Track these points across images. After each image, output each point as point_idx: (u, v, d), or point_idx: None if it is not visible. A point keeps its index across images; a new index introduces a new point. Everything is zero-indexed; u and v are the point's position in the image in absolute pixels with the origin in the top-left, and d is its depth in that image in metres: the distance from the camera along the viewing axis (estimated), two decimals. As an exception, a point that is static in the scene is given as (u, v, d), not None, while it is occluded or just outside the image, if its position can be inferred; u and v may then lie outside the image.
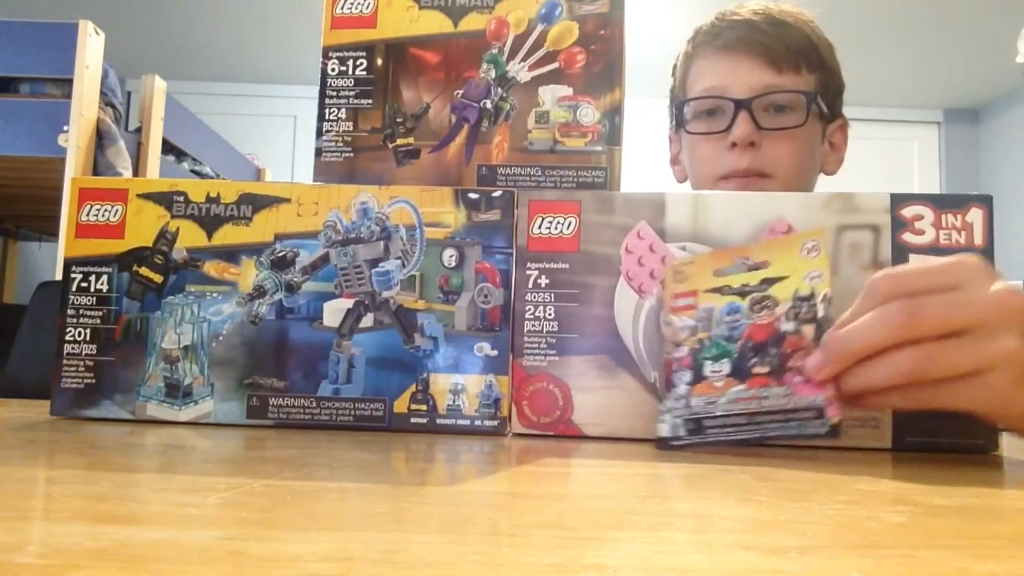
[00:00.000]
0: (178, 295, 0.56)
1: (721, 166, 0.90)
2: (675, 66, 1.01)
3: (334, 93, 0.61)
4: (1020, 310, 0.42)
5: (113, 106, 1.89)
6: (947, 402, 0.43)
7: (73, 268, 0.56)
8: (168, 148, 2.14)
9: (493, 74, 0.60)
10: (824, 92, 0.92)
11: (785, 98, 0.88)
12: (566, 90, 0.59)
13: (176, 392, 0.55)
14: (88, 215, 0.57)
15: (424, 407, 0.54)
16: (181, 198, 0.56)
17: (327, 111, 0.61)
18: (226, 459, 0.40)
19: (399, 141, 0.60)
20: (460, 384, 0.54)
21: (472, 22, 0.60)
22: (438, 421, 0.54)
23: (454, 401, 0.54)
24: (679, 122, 0.96)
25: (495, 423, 0.54)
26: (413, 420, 0.54)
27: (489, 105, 0.60)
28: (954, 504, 0.33)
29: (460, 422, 0.54)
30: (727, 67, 0.90)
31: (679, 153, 1.01)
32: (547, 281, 0.55)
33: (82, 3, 3.04)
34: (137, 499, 0.29)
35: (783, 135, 0.89)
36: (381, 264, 0.55)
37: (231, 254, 0.56)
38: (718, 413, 0.47)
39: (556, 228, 0.55)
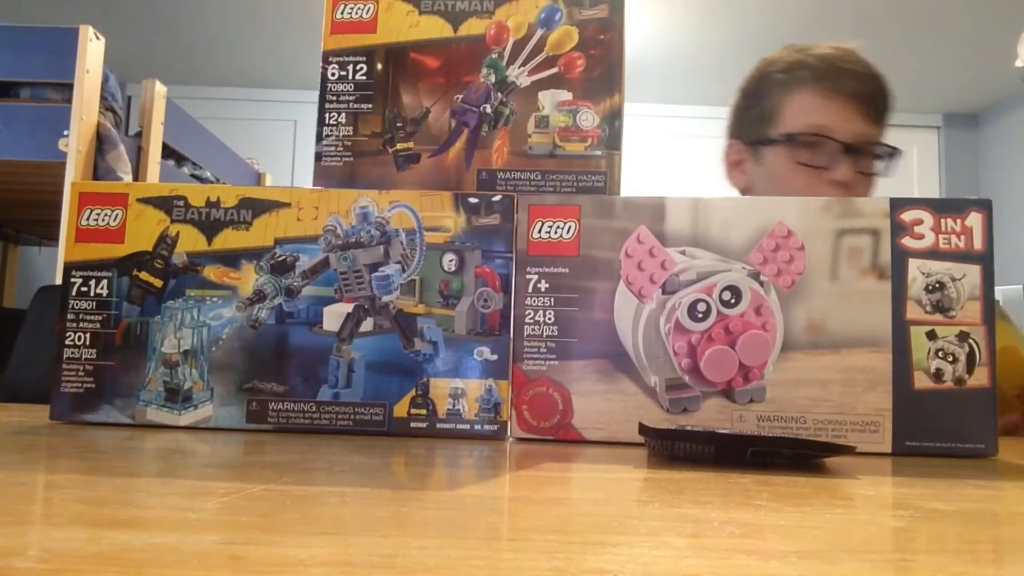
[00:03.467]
0: (178, 299, 0.56)
1: (813, 195, 0.99)
2: (755, 83, 1.08)
3: (334, 98, 0.61)
4: None
5: (113, 111, 1.89)
6: None
7: (73, 272, 0.56)
8: (168, 152, 2.14)
9: (493, 79, 0.60)
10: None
11: (881, 149, 1.01)
12: (566, 95, 0.59)
13: (176, 396, 0.55)
14: (88, 219, 0.57)
15: (424, 411, 0.54)
16: (181, 202, 0.56)
17: (327, 115, 0.61)
18: (226, 463, 0.40)
19: (399, 145, 0.60)
20: (460, 388, 0.54)
21: (472, 27, 0.60)
22: (438, 425, 0.54)
23: (454, 405, 0.54)
24: (761, 140, 1.03)
25: (495, 427, 0.54)
26: (413, 424, 0.54)
27: (489, 110, 0.60)
28: (954, 509, 0.33)
29: (460, 426, 0.54)
30: (836, 110, 0.99)
31: (744, 162, 1.08)
32: (547, 285, 0.55)
33: (83, 8, 3.04)
34: (137, 503, 0.29)
35: (870, 180, 1.01)
36: (381, 268, 0.55)
37: (231, 258, 0.56)
38: None
39: (556, 232, 0.55)
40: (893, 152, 1.03)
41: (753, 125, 1.06)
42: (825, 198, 0.53)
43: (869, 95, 1.00)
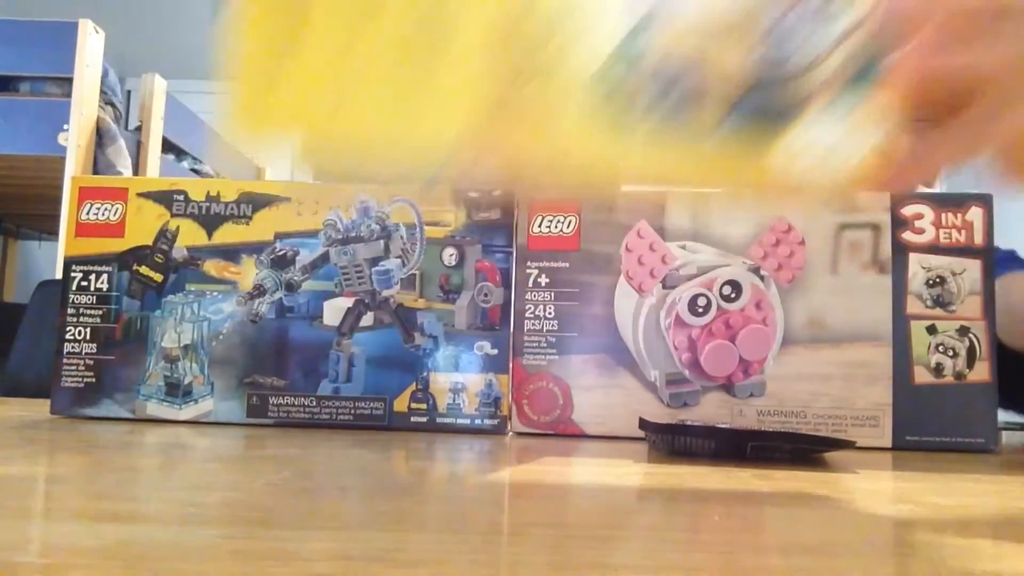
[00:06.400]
0: (178, 294, 0.56)
1: None
2: None
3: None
4: None
5: (113, 105, 1.89)
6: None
7: (73, 267, 0.56)
8: (168, 147, 2.14)
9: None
10: None
11: None
12: (566, 89, 0.59)
13: (176, 391, 0.55)
14: (88, 214, 0.57)
15: (424, 406, 0.54)
16: (181, 197, 0.56)
17: (327, 110, 0.61)
18: (226, 458, 0.40)
19: (399, 140, 0.60)
20: (460, 383, 0.54)
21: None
22: (438, 420, 0.54)
23: (454, 400, 0.54)
24: None
25: (495, 422, 0.54)
26: (413, 419, 0.54)
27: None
28: (953, 503, 0.33)
29: (460, 421, 0.54)
30: None
31: None
32: (547, 280, 0.55)
33: (82, 2, 3.04)
34: (137, 497, 0.29)
35: None
36: (381, 263, 0.55)
37: (231, 253, 0.56)
38: None
39: (556, 227, 0.55)
40: None
41: None
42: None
43: None
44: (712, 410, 0.53)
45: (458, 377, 0.54)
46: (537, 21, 0.33)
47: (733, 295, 0.53)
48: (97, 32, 1.81)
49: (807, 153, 0.32)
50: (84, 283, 0.56)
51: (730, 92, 0.32)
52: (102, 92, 1.84)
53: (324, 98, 0.34)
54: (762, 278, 0.53)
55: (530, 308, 0.55)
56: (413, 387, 0.54)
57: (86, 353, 0.55)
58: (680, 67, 0.32)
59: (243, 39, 0.35)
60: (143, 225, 0.56)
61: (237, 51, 0.35)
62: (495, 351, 0.54)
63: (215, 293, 0.55)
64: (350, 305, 0.55)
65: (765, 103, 0.32)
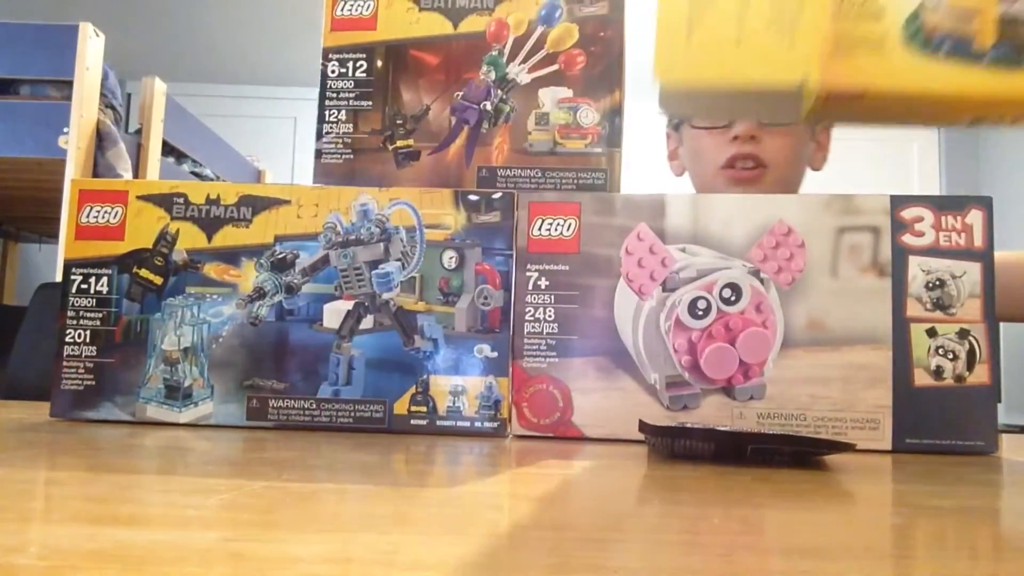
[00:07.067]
0: (178, 297, 0.56)
1: (722, 156, 0.99)
2: None
3: (334, 95, 0.61)
4: None
5: (113, 108, 1.89)
6: None
7: (73, 270, 0.56)
8: (168, 150, 2.14)
9: (493, 76, 0.60)
10: None
11: None
12: (566, 92, 0.59)
13: (176, 394, 0.55)
14: (88, 217, 0.57)
15: (424, 409, 0.54)
16: (181, 200, 0.56)
17: (327, 113, 0.61)
18: (226, 461, 0.40)
19: (399, 143, 0.60)
20: (460, 386, 0.54)
21: (472, 24, 0.60)
22: (438, 423, 0.54)
23: (454, 403, 0.54)
24: (677, 120, 1.05)
25: (495, 425, 0.54)
26: (413, 422, 0.54)
27: (489, 107, 0.60)
28: (953, 506, 0.33)
29: (460, 424, 0.54)
30: None
31: (677, 148, 1.10)
32: (547, 283, 0.55)
33: (82, 5, 3.04)
34: (137, 501, 0.29)
35: (780, 130, 0.98)
36: (381, 266, 0.55)
37: (231, 256, 0.56)
38: None
39: (556, 230, 0.55)
40: None
41: None
42: (826, 194, 0.53)
43: None
44: (712, 413, 0.53)
45: (458, 380, 0.54)
46: None
47: (733, 298, 0.53)
48: (97, 35, 1.82)
49: None
50: (84, 286, 0.56)
51: (996, 31, 0.45)
52: (102, 95, 1.84)
53: (725, 51, 0.48)
54: (762, 281, 0.53)
55: (530, 311, 0.55)
56: (413, 390, 0.54)
57: (86, 356, 0.55)
58: (962, 14, 0.46)
59: (662, 5, 0.48)
60: (143, 228, 0.56)
61: (658, 14, 0.48)
62: (495, 354, 0.54)
63: (215, 296, 0.55)
64: (350, 308, 0.55)
65: (1021, 37, 0.45)
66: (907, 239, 0.53)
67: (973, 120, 0.50)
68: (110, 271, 0.56)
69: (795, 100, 0.49)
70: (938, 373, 0.52)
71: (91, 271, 0.56)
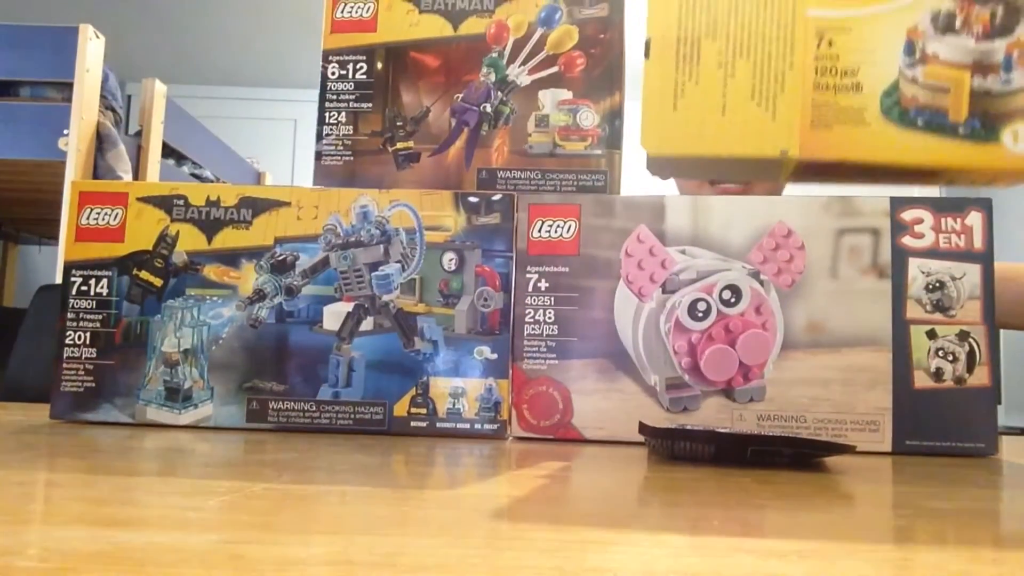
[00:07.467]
0: (178, 299, 0.56)
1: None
2: None
3: (334, 97, 0.61)
4: None
5: (113, 110, 1.89)
6: None
7: (73, 272, 0.56)
8: (168, 152, 2.14)
9: (493, 78, 0.60)
10: None
11: None
12: (566, 94, 0.59)
13: (176, 396, 0.55)
14: (88, 219, 0.57)
15: (424, 411, 0.54)
16: (181, 202, 0.56)
17: (327, 115, 0.61)
18: (226, 462, 0.40)
19: (399, 145, 0.60)
20: (460, 388, 0.54)
21: (472, 26, 0.60)
22: (438, 425, 0.54)
23: (454, 405, 0.54)
24: None
25: (495, 427, 0.54)
26: (413, 424, 0.54)
27: (489, 109, 0.60)
28: (953, 508, 0.33)
29: (460, 426, 0.54)
30: None
31: None
32: (547, 284, 0.55)
33: (82, 7, 3.04)
34: (137, 503, 0.29)
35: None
36: (381, 268, 0.55)
37: (231, 258, 0.56)
38: None
39: (556, 231, 0.55)
40: None
41: None
42: (826, 196, 0.53)
43: None
44: (712, 414, 0.53)
45: (458, 381, 0.54)
46: (848, 58, 0.50)
47: (733, 299, 0.53)
48: (97, 37, 1.82)
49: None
50: (84, 288, 0.56)
51: (968, 104, 0.49)
52: (102, 97, 1.84)
53: (710, 121, 0.51)
54: (762, 282, 0.53)
55: (530, 313, 0.55)
56: (413, 391, 0.54)
57: (86, 358, 0.55)
58: (938, 88, 0.49)
59: (648, 81, 0.52)
60: (143, 230, 0.56)
61: (645, 90, 0.52)
62: (495, 355, 0.54)
63: (215, 298, 0.55)
64: (350, 310, 0.55)
65: (992, 109, 0.49)
66: (907, 241, 0.53)
67: (947, 182, 0.54)
68: (110, 273, 0.56)
69: (776, 167, 0.52)
70: (938, 375, 0.52)
71: (91, 273, 0.56)
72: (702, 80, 0.51)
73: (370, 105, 0.61)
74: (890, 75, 0.50)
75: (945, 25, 0.49)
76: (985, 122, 0.49)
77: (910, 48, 0.50)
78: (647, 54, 0.52)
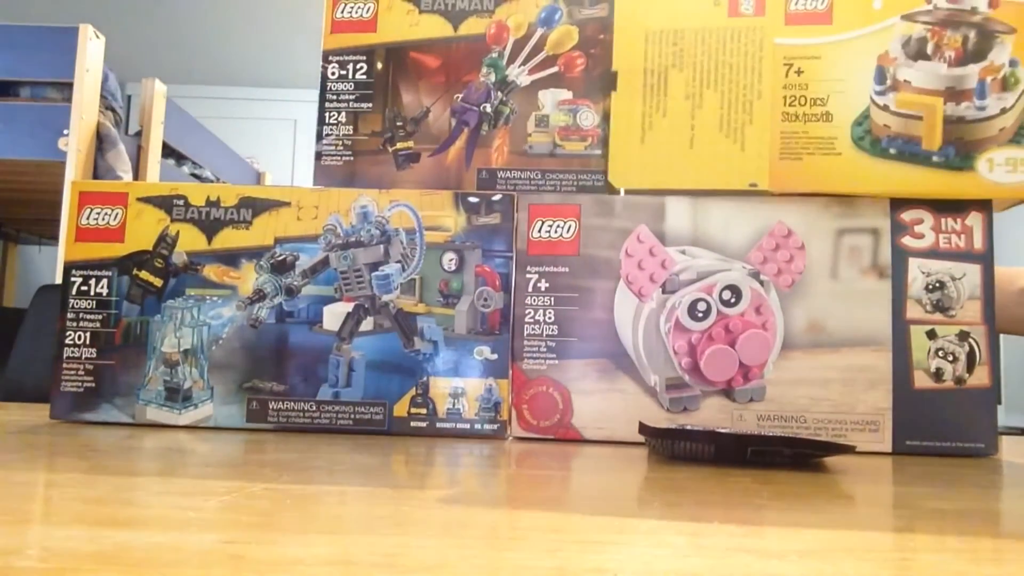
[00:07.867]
0: (178, 299, 0.56)
1: None
2: None
3: (334, 97, 0.61)
4: None
5: (113, 110, 1.89)
6: None
7: (73, 272, 0.56)
8: (168, 152, 2.14)
9: (493, 78, 0.60)
10: None
11: None
12: (566, 94, 0.59)
13: (176, 396, 0.55)
14: (88, 219, 0.57)
15: (424, 411, 0.54)
16: (181, 202, 0.56)
17: (327, 115, 0.61)
18: (226, 463, 0.40)
19: (399, 145, 0.60)
20: (460, 388, 0.54)
21: (472, 26, 0.60)
22: (438, 425, 0.54)
23: (454, 405, 0.54)
24: None
25: (495, 427, 0.54)
26: (413, 424, 0.54)
27: (489, 109, 0.60)
28: (953, 508, 0.33)
29: (460, 426, 0.54)
30: None
31: None
32: (547, 285, 0.55)
33: (82, 7, 3.04)
34: (137, 503, 0.29)
35: None
36: (381, 268, 0.55)
37: (231, 258, 0.56)
38: None
39: (556, 232, 0.55)
40: None
41: None
42: (826, 197, 0.53)
43: None
44: (712, 415, 0.53)
45: (458, 382, 0.54)
46: (817, 87, 0.50)
47: (733, 300, 0.53)
48: (97, 37, 1.82)
49: (1000, 168, 0.49)
50: (84, 288, 0.56)
51: (942, 132, 0.49)
52: (102, 97, 1.84)
53: (678, 154, 0.52)
54: (762, 283, 0.53)
55: (530, 313, 0.55)
56: (413, 392, 0.54)
57: (86, 358, 0.55)
58: (910, 117, 0.49)
59: (616, 114, 0.53)
60: (143, 230, 0.56)
61: (612, 123, 0.53)
62: (495, 356, 0.54)
63: (215, 298, 0.55)
64: (350, 310, 0.55)
65: (966, 137, 0.49)
66: (907, 241, 0.53)
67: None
68: (110, 273, 0.56)
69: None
70: (938, 375, 0.52)
71: (91, 273, 0.56)
72: (669, 112, 0.51)
73: (370, 105, 0.61)
74: (861, 103, 0.49)
75: (916, 51, 0.49)
76: (959, 150, 0.49)
77: (881, 75, 0.49)
78: (614, 86, 0.52)
